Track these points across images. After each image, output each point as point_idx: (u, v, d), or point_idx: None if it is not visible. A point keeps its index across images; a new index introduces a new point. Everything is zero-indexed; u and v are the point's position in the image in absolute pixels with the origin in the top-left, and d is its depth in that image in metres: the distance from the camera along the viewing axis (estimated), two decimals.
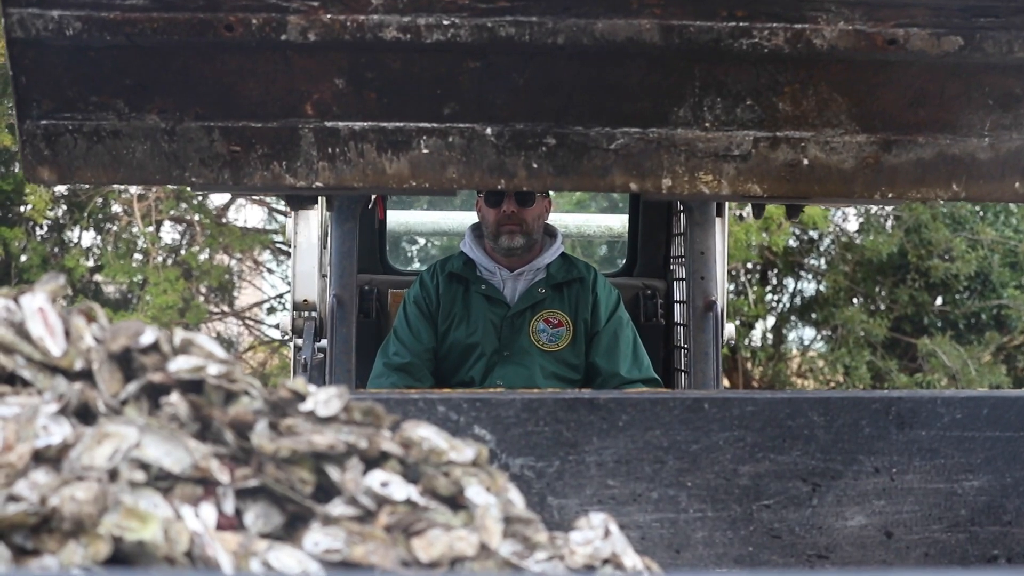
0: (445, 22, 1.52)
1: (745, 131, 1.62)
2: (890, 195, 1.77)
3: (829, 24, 1.59)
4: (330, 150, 1.62)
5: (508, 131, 1.61)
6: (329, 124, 1.63)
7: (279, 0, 1.54)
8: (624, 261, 4.01)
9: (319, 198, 3.23)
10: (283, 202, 6.20)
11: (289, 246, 3.56)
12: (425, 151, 1.60)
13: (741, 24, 1.57)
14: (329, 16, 1.56)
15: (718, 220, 3.30)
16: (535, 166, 1.61)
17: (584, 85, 1.62)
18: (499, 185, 1.66)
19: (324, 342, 3.08)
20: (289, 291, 3.89)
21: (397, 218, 4.62)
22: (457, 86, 1.61)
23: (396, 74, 1.60)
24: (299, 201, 3.29)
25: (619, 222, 4.54)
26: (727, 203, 3.43)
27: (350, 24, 1.56)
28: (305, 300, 3.43)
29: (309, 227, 3.44)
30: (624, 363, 3.10)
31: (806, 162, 1.65)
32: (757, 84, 1.61)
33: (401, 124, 1.62)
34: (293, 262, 3.50)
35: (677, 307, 3.58)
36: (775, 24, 1.57)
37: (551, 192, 3.29)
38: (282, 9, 1.55)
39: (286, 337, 3.71)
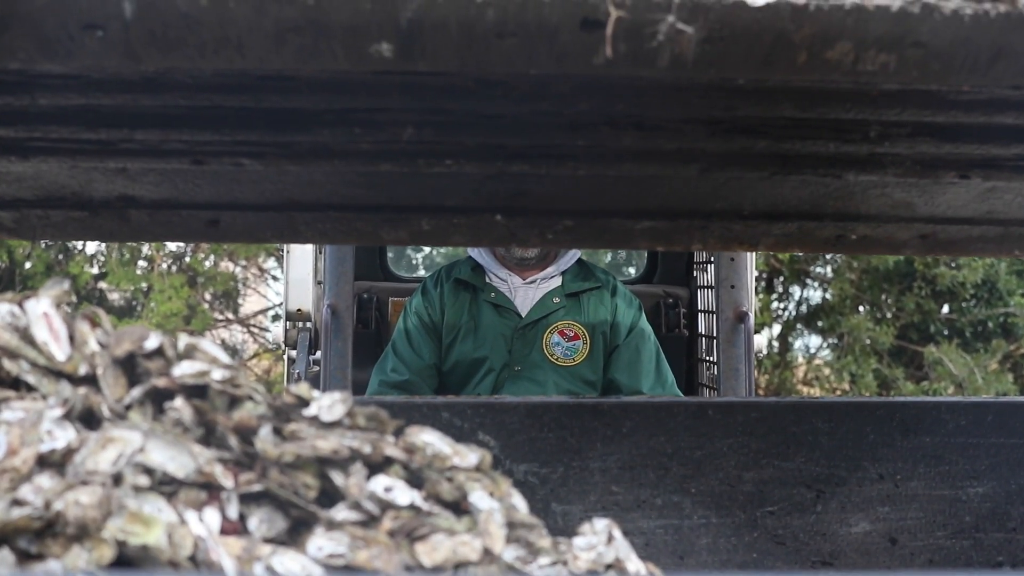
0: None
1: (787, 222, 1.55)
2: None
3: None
4: None
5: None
6: None
7: None
8: (633, 268, 3.86)
9: None
10: None
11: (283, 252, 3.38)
12: (427, 228, 1.56)
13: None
14: None
15: None
16: (551, 237, 1.55)
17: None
18: (512, 247, 1.57)
19: (319, 354, 2.91)
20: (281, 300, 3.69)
21: None
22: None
23: None
24: None
25: None
26: None
27: None
28: (299, 310, 3.21)
29: None
30: (646, 380, 2.87)
31: (854, 237, 1.59)
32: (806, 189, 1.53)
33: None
34: (286, 268, 3.29)
35: (701, 317, 3.39)
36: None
37: None
38: None
39: (280, 351, 3.55)
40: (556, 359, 2.89)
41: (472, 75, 1.17)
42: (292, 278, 3.24)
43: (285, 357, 3.36)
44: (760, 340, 3.18)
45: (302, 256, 3.21)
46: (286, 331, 3.25)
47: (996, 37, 0.93)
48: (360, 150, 1.31)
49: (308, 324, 3.19)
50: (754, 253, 3.19)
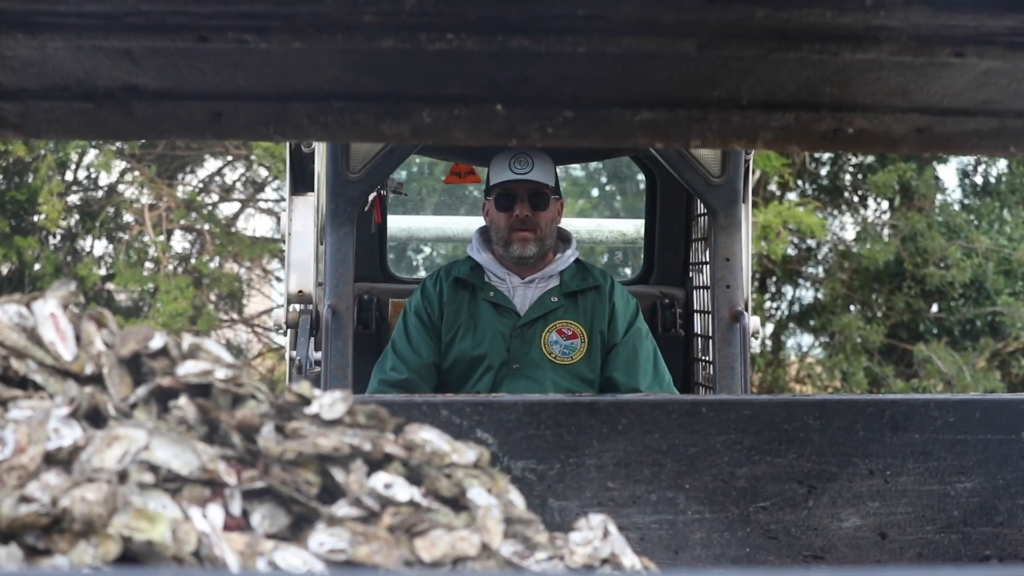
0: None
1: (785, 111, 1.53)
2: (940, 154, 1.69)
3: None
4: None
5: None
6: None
7: None
8: (631, 269, 3.86)
9: (315, 183, 3.04)
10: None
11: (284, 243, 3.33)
12: (428, 120, 1.53)
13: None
14: None
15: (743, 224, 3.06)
16: (550, 131, 1.53)
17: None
18: (511, 143, 1.54)
19: (319, 354, 2.87)
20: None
21: (399, 223, 4.41)
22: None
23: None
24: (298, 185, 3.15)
25: (633, 227, 4.35)
26: (750, 209, 3.21)
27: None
28: (300, 291, 3.11)
29: (305, 213, 3.16)
30: (644, 379, 2.88)
31: (851, 131, 1.57)
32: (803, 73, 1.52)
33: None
34: (288, 250, 3.21)
35: (697, 317, 3.41)
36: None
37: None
38: None
39: (280, 330, 3.42)
40: (554, 358, 2.90)
41: None
42: (293, 260, 3.18)
43: (287, 357, 3.32)
44: (755, 321, 3.13)
45: (304, 237, 3.17)
46: (287, 313, 3.19)
47: None
48: (362, 23, 1.30)
49: (309, 307, 3.13)
50: (750, 254, 3.18)
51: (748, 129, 1.50)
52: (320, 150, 3.02)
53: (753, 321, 3.07)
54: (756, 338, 3.21)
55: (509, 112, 1.47)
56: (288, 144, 3.27)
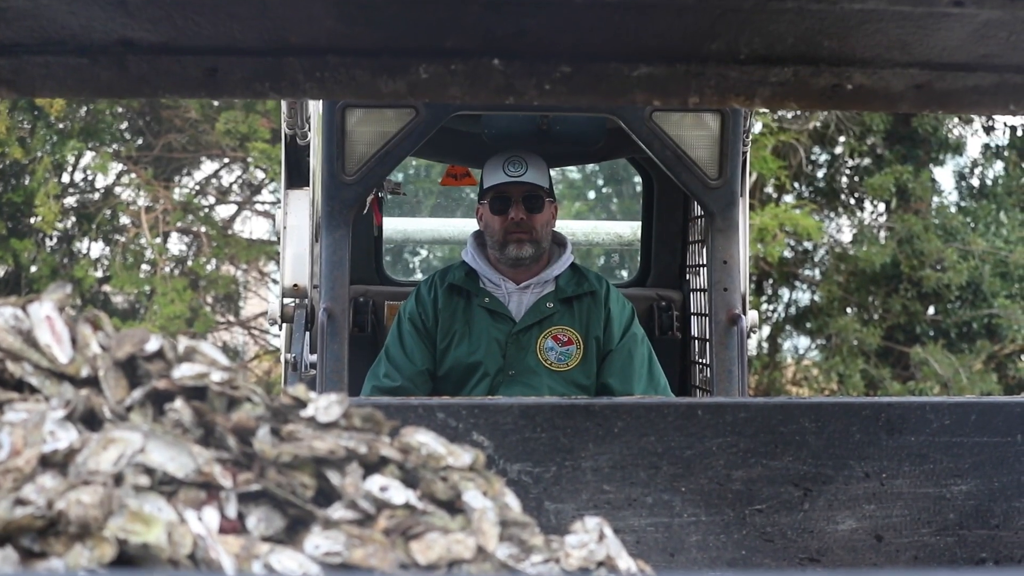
0: None
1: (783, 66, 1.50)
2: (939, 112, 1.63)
3: None
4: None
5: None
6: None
7: None
8: (627, 271, 3.84)
9: (311, 177, 3.03)
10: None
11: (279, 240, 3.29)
12: (425, 76, 1.50)
13: None
14: None
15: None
16: (547, 88, 1.51)
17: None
18: (507, 100, 1.52)
19: (315, 357, 2.87)
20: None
21: (395, 225, 4.40)
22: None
23: None
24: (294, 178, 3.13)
25: (629, 229, 4.35)
26: (747, 211, 3.20)
27: None
28: (295, 285, 3.13)
29: (300, 207, 3.16)
30: (639, 384, 2.89)
31: (850, 87, 1.55)
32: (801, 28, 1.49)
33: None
34: (283, 244, 3.22)
35: (694, 320, 3.40)
36: None
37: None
38: None
39: (275, 324, 3.39)
40: (550, 364, 2.90)
41: None
42: (289, 254, 3.19)
43: (282, 359, 3.29)
44: (753, 316, 3.09)
45: (299, 231, 3.17)
46: (283, 307, 3.17)
47: None
48: None
49: (305, 301, 3.11)
50: (747, 255, 3.17)
51: (746, 85, 1.48)
52: (315, 146, 3.02)
53: (751, 315, 3.06)
54: (754, 333, 3.19)
55: (506, 67, 1.45)
56: (284, 137, 3.27)
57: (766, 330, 8.76)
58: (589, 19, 1.40)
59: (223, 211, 8.68)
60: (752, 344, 3.34)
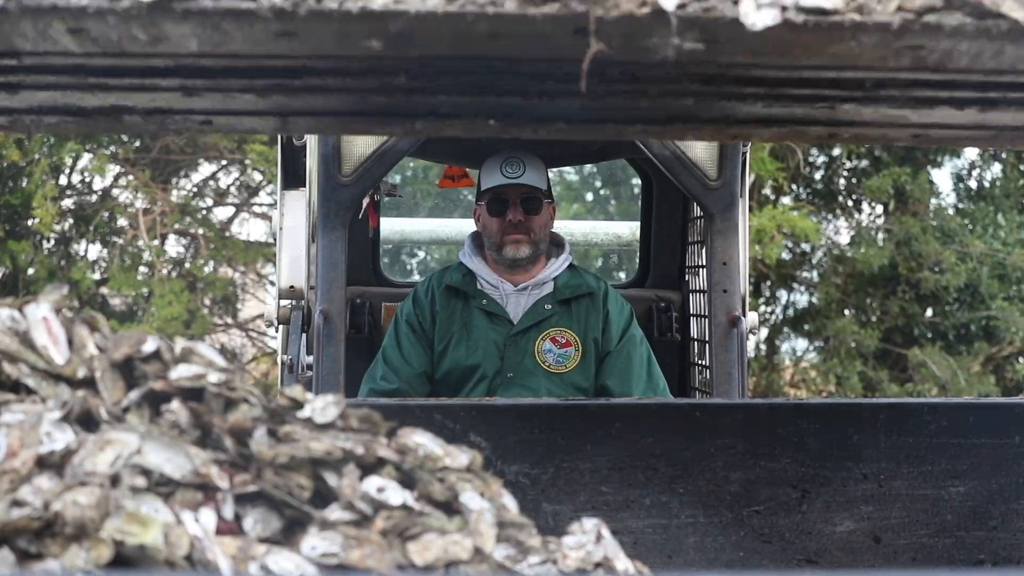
0: None
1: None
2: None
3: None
4: None
5: None
6: None
7: None
8: (626, 272, 3.82)
9: (307, 178, 3.01)
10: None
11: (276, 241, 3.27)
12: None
13: None
14: None
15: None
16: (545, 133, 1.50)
17: None
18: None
19: (311, 358, 2.83)
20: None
21: (393, 226, 4.40)
22: None
23: None
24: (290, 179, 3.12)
25: (628, 229, 4.33)
26: (747, 212, 3.16)
27: None
28: (292, 287, 3.09)
29: (296, 209, 3.13)
30: (638, 386, 2.86)
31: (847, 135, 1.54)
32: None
33: None
34: (279, 245, 3.19)
35: (693, 321, 3.39)
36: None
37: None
38: None
39: (271, 326, 3.37)
40: (548, 366, 2.88)
41: None
42: (285, 255, 3.16)
43: (279, 361, 3.27)
44: (752, 317, 3.06)
45: (296, 232, 3.14)
46: (279, 308, 3.14)
47: None
48: None
49: (301, 302, 3.08)
50: (747, 256, 3.16)
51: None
52: (312, 147, 3.01)
53: (751, 317, 3.05)
54: (754, 334, 3.18)
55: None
56: (280, 138, 3.25)
57: (764, 332, 8.77)
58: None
59: (221, 213, 8.69)
60: (751, 346, 3.33)
